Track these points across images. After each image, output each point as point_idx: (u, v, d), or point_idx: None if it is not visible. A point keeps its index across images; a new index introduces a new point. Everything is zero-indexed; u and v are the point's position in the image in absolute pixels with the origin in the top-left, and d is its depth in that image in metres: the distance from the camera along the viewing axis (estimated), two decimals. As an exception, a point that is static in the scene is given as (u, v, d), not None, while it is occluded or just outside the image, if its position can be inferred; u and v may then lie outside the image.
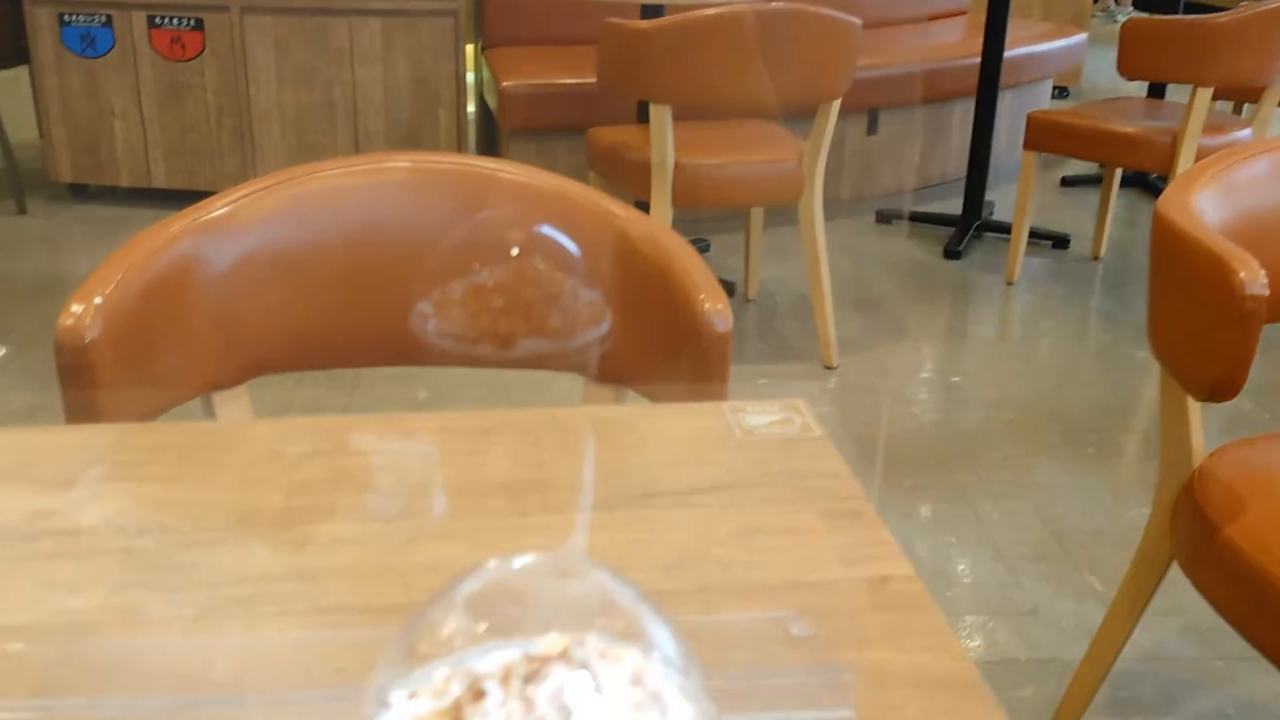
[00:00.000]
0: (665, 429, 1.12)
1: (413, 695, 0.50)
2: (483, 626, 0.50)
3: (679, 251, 1.58)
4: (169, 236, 1.56)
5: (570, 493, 1.01)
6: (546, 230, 1.53)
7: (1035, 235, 4.71)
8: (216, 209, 1.57)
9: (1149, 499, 2.55)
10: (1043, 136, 4.29)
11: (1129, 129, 4.15)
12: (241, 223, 1.57)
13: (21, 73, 5.05)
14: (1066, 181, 5.78)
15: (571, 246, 1.52)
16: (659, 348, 1.56)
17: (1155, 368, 1.98)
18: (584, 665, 0.46)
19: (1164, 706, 2.36)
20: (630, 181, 3.60)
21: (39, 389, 3.46)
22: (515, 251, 1.37)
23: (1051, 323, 4.10)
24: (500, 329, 1.29)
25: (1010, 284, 4.39)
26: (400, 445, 1.08)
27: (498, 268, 1.37)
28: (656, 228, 1.63)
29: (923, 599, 0.88)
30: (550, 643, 0.46)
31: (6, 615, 0.83)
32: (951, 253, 4.64)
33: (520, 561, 0.50)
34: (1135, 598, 1.97)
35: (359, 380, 3.32)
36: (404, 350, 1.64)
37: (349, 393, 3.27)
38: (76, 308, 1.40)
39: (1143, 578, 1.95)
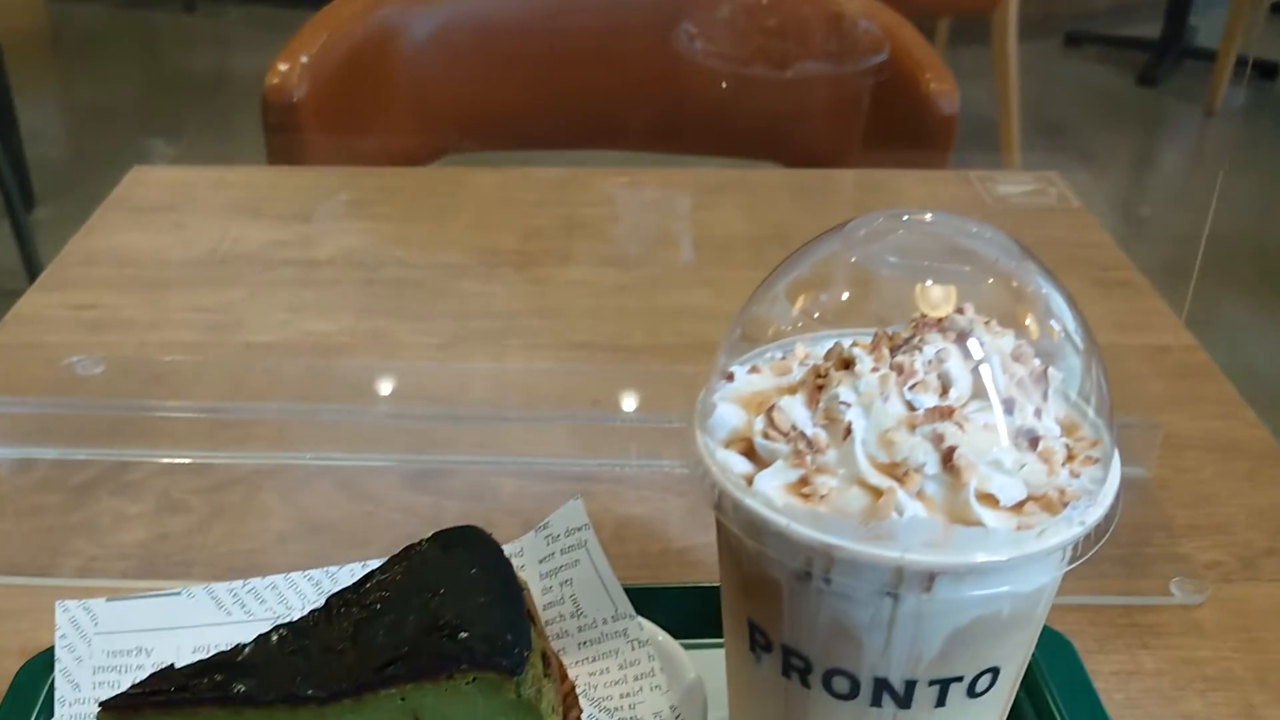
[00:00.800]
0: (908, 192, 1.05)
1: (753, 370, 0.46)
2: (824, 312, 0.46)
3: (899, 29, 1.47)
4: (370, 1, 1.51)
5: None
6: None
7: (1241, 64, 4.38)
8: (418, -25, 1.51)
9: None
10: (1261, -48, 3.94)
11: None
12: (443, -10, 1.52)
13: None
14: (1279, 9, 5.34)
15: None
16: (876, 131, 1.48)
17: None
18: (966, 334, 0.41)
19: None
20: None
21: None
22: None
23: (1255, 157, 3.83)
24: (772, 49, 1.22)
25: (1210, 115, 4.11)
26: (632, 196, 1.03)
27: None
28: (872, 4, 1.52)
29: (1209, 369, 0.81)
30: (932, 305, 0.42)
31: (257, 334, 0.82)
32: (1147, 79, 4.34)
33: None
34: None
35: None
36: (600, 133, 1.58)
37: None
38: (283, 66, 1.37)
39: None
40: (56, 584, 0.61)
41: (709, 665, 0.51)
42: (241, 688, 0.44)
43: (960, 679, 0.41)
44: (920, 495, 0.38)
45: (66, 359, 0.78)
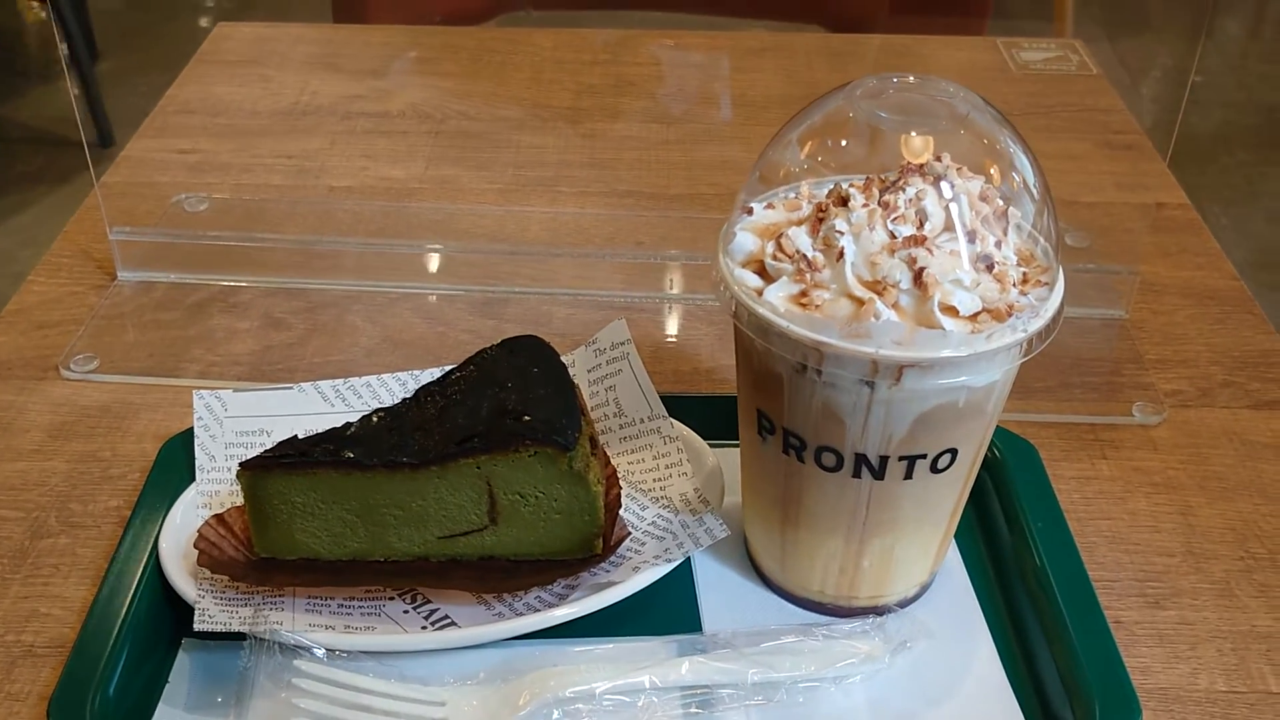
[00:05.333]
0: (937, 56, 1.12)
1: (768, 206, 0.55)
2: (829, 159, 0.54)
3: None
4: None
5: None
6: None
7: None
8: None
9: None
10: None
11: None
12: None
13: None
14: None
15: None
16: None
17: None
18: (941, 178, 0.50)
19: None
20: None
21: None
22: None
23: (1313, 25, 3.78)
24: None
25: (1272, -18, 4.03)
26: (678, 57, 1.11)
27: None
28: None
29: (1197, 225, 0.89)
30: (914, 153, 0.51)
31: (338, 179, 0.92)
32: (1209, -56, 4.26)
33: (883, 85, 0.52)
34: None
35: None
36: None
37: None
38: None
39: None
40: (181, 384, 0.72)
41: (727, 460, 0.62)
42: (350, 454, 0.55)
43: (924, 456, 0.51)
44: (895, 306, 0.48)
45: (175, 196, 0.88)
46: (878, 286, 0.48)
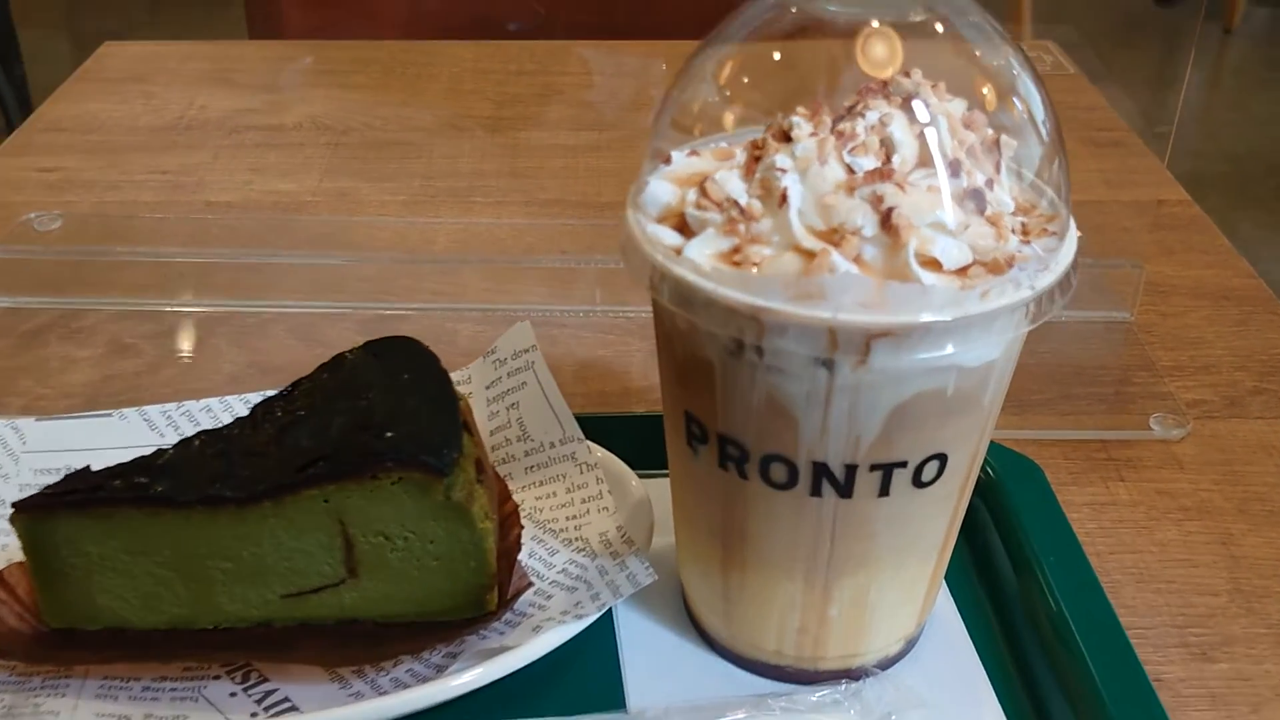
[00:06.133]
0: (899, 60, 1.01)
1: (691, 153, 0.43)
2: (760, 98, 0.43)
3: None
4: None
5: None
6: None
7: (1262, -20, 4.26)
8: None
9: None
10: None
11: None
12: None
13: None
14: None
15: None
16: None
17: None
18: (911, 97, 0.38)
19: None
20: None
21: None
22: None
23: (1274, 75, 3.74)
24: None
25: (1229, 32, 4.01)
26: (609, 61, 1.00)
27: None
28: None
29: (1203, 221, 0.78)
30: (872, 68, 0.39)
31: (218, 194, 0.80)
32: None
33: None
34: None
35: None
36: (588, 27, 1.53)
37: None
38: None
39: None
40: (-2, 422, 0.59)
41: (659, 492, 0.49)
42: (159, 489, 0.42)
43: (904, 464, 0.39)
44: (858, 260, 0.36)
45: (24, 215, 0.76)
46: (833, 236, 0.36)
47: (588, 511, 0.50)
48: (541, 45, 1.03)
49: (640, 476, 0.51)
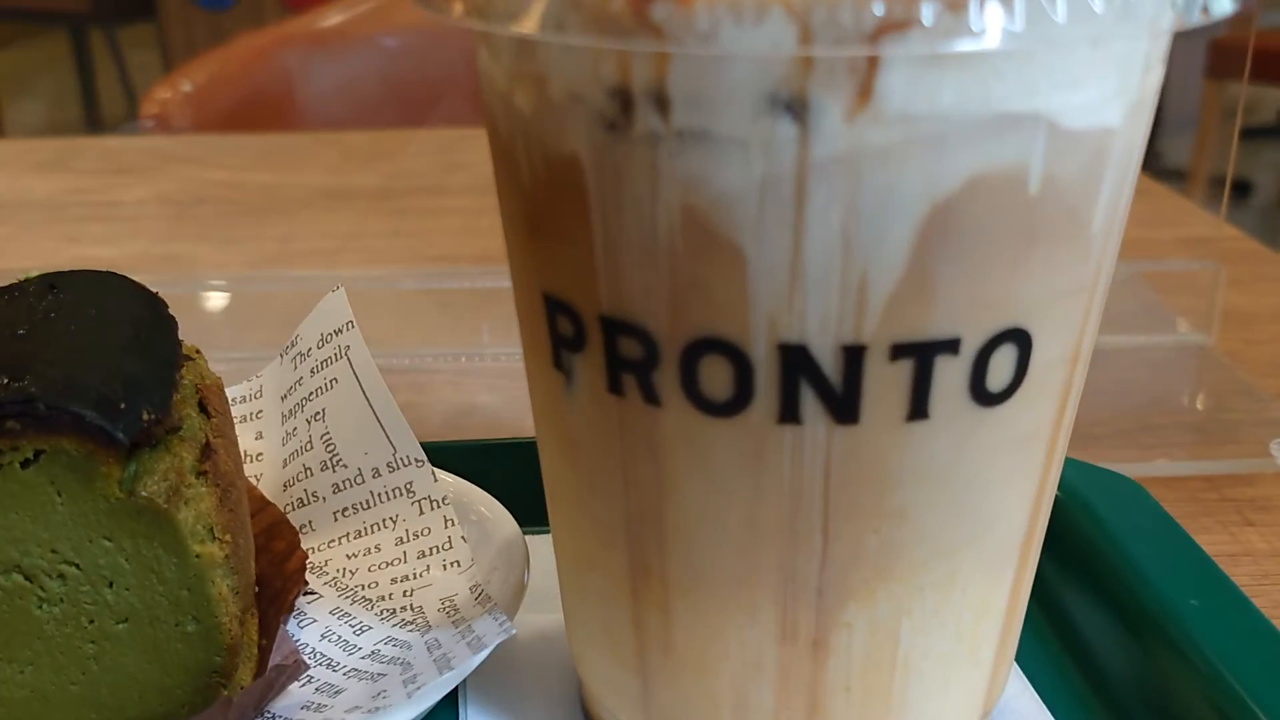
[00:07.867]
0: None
1: None
2: None
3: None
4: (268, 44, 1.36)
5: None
6: None
7: (1217, 183, 4.30)
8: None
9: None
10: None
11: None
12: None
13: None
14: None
15: None
16: None
17: None
18: None
19: None
20: None
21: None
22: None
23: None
24: None
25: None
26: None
27: None
28: None
29: (1264, 253, 0.62)
30: None
31: (19, 260, 0.63)
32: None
33: None
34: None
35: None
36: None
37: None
38: (164, 94, 1.21)
39: None
40: None
41: (540, 549, 0.30)
42: None
43: (953, 344, 0.20)
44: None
45: None
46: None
47: (427, 569, 0.31)
48: (451, 134, 0.88)
49: (526, 533, 0.32)
